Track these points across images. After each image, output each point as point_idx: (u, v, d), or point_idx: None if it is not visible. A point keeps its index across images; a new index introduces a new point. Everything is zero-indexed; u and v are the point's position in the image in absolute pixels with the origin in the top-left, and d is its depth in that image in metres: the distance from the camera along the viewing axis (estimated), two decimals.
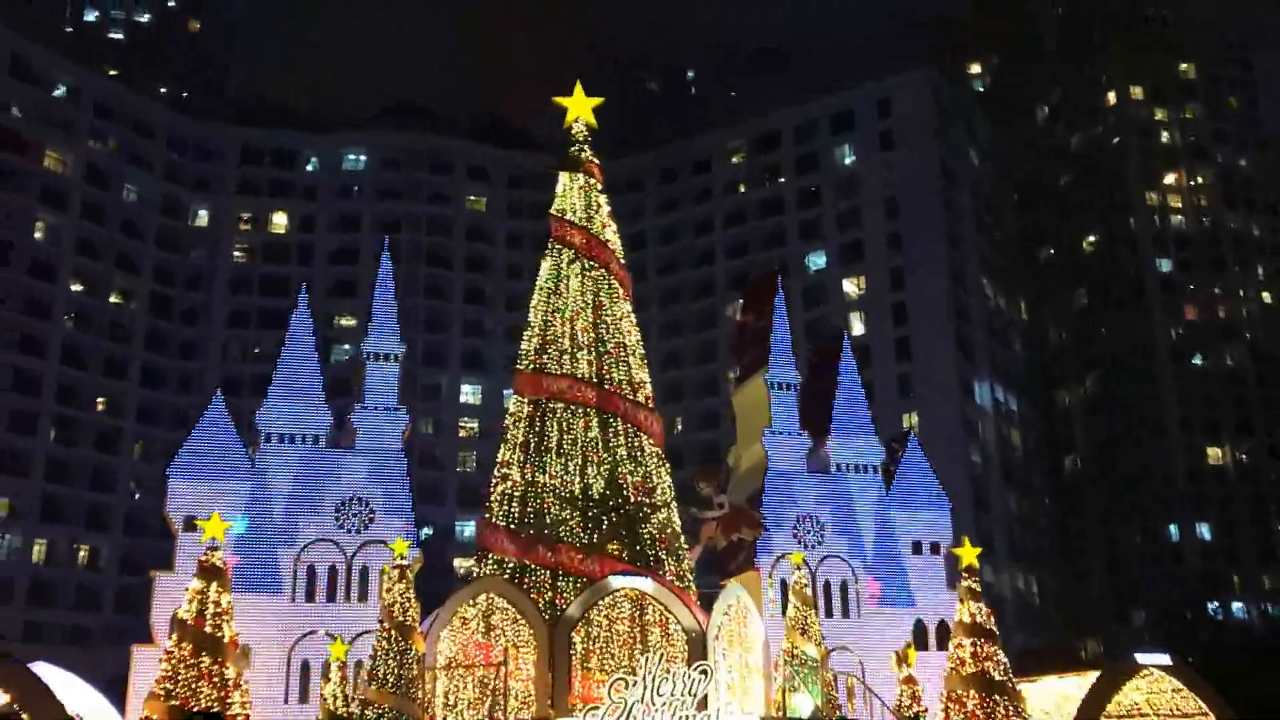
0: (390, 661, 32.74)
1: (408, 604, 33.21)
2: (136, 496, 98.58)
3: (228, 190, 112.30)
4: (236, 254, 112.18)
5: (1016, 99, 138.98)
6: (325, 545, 37.03)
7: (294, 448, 38.26)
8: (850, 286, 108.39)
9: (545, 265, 40.04)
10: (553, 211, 40.63)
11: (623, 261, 40.18)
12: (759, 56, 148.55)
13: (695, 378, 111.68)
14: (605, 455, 36.83)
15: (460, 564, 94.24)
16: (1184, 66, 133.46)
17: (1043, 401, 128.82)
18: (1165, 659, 35.72)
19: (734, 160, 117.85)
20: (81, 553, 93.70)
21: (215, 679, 29.97)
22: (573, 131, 41.40)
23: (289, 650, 36.10)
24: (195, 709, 29.38)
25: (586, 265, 39.13)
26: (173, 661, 30.06)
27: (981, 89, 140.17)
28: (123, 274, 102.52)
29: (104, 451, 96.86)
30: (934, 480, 42.04)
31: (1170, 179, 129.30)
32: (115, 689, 36.79)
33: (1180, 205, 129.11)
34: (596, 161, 41.24)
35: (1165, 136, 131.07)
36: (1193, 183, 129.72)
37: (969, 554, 35.58)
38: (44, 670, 33.90)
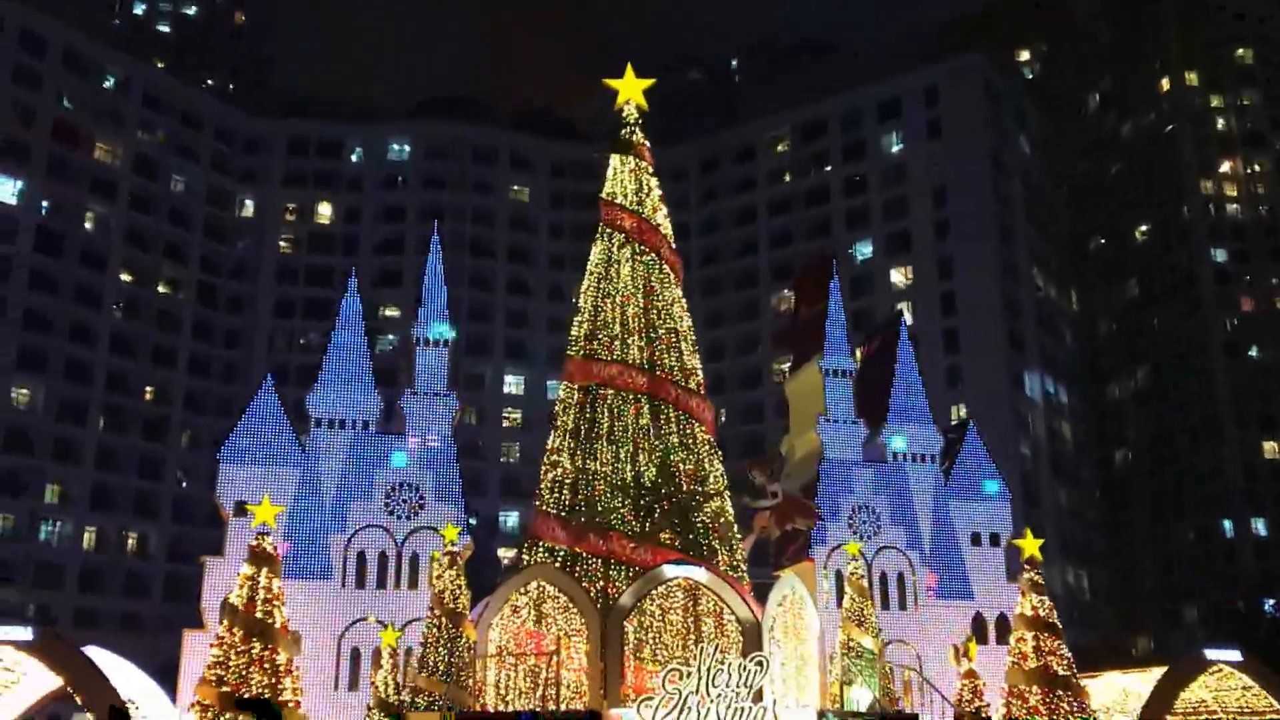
0: (441, 649, 32.35)
1: (459, 591, 32.79)
2: (184, 484, 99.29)
3: (274, 181, 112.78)
4: (282, 244, 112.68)
5: (1066, 88, 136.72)
6: (375, 531, 36.71)
7: (344, 433, 37.95)
8: (898, 276, 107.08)
9: (595, 250, 39.45)
10: (603, 195, 40.02)
11: (673, 246, 39.47)
12: (802, 47, 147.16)
13: (738, 370, 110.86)
14: (657, 442, 36.23)
15: (504, 554, 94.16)
16: (1241, 52, 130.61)
17: (1093, 394, 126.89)
18: (1236, 655, 34.65)
19: (778, 149, 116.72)
20: (130, 540, 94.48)
21: (266, 665, 29.66)
22: (623, 114, 40.73)
23: (339, 637, 35.80)
24: (247, 695, 29.10)
25: (638, 249, 38.50)
26: (224, 647, 29.77)
27: (1030, 77, 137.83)
28: (171, 264, 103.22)
29: (152, 439, 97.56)
30: (994, 470, 41.08)
31: (1226, 167, 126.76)
32: (166, 675, 36.76)
33: (1236, 193, 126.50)
34: (647, 144, 40.56)
35: (1221, 123, 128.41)
36: (1249, 170, 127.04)
37: (1031, 545, 34.69)
38: (96, 654, 33.90)
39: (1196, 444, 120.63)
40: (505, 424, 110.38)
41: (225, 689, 29.23)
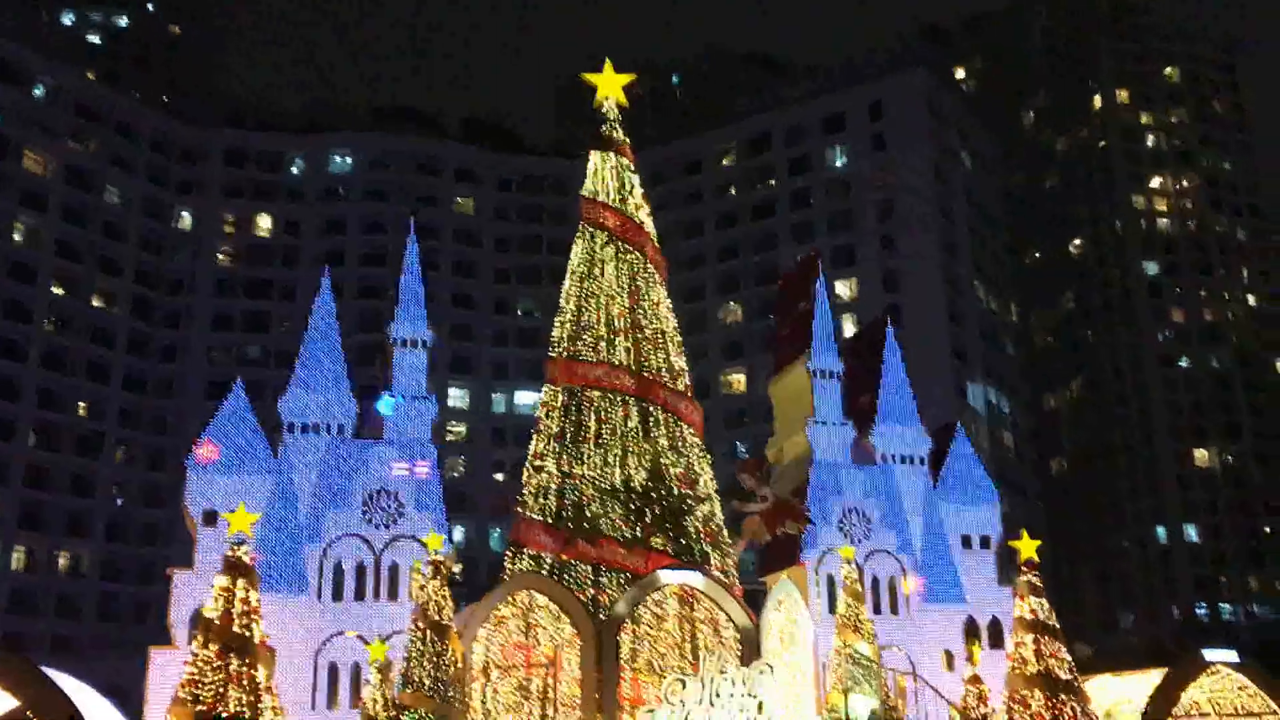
0: (426, 663, 30.93)
1: (444, 602, 31.49)
2: (119, 502, 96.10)
3: (212, 193, 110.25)
4: (220, 257, 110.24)
5: (1004, 103, 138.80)
6: (352, 541, 35.22)
7: (318, 439, 36.41)
8: (843, 289, 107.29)
9: (576, 249, 38.40)
10: (584, 193, 38.99)
11: (658, 245, 38.59)
12: (747, 61, 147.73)
13: None
14: (646, 446, 35.16)
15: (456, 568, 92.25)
16: (1169, 71, 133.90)
17: (1033, 404, 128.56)
18: (1234, 656, 34.47)
19: (724, 162, 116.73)
20: (62, 560, 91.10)
21: (245, 682, 27.92)
22: (603, 110, 39.78)
23: (315, 652, 34.21)
24: (224, 714, 27.43)
25: (621, 248, 37.52)
26: (198, 664, 27.95)
27: (968, 92, 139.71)
28: (105, 277, 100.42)
29: (85, 456, 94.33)
30: (982, 472, 40.75)
31: (1156, 182, 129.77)
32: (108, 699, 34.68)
33: (1166, 209, 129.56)
34: (628, 141, 39.66)
35: (1151, 140, 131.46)
36: (1179, 186, 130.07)
37: (1028, 547, 34.24)
38: (55, 676, 31.95)
39: (1131, 453, 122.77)
40: (450, 438, 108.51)
41: (201, 708, 27.48)
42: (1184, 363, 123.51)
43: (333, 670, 34.39)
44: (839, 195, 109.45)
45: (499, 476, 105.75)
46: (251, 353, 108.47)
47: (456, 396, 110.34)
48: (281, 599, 34.21)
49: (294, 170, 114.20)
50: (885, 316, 45.87)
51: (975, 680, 32.43)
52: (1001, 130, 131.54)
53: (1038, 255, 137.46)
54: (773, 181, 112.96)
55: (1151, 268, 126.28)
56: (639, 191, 39.06)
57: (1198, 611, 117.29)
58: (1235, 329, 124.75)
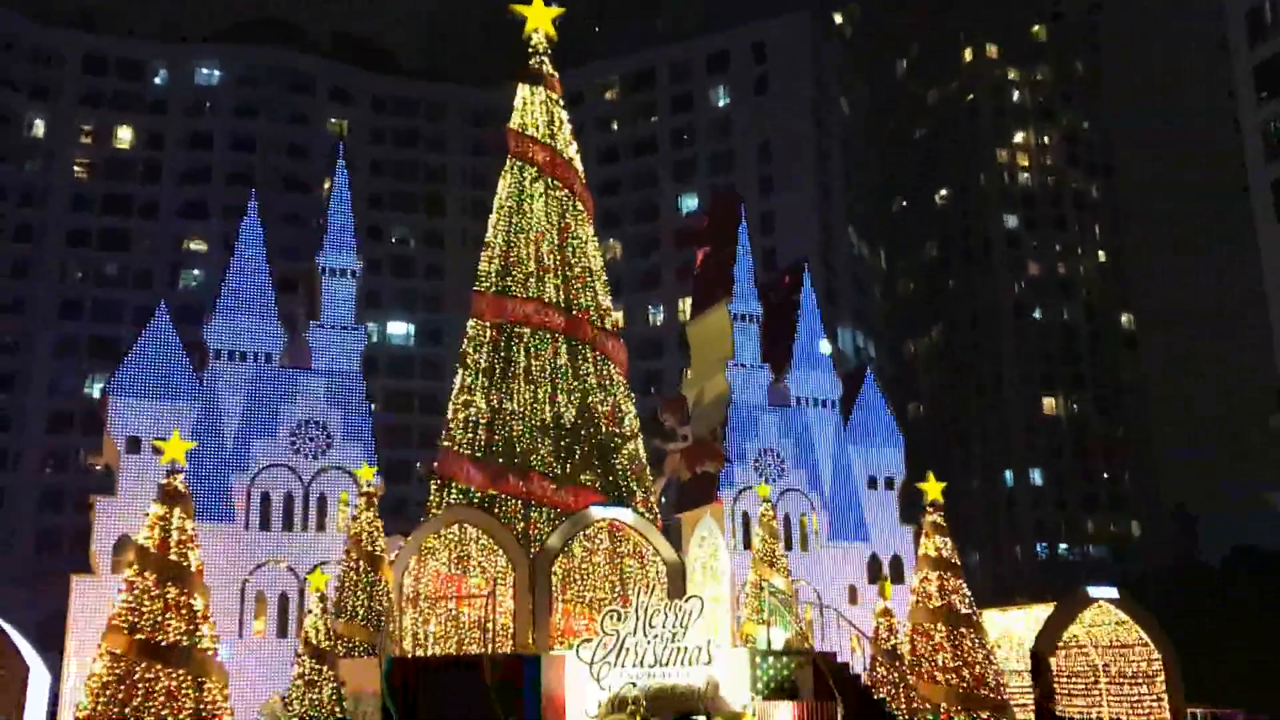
0: (360, 593, 31.03)
1: (376, 533, 31.51)
2: None
3: (68, 100, 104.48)
4: (76, 169, 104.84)
5: (879, 50, 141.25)
6: (280, 470, 34.63)
7: (245, 366, 35.52)
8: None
9: (504, 183, 38.02)
10: (511, 126, 38.56)
11: (585, 182, 38.52)
12: None
13: None
14: (575, 383, 35.41)
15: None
16: (1036, 29, 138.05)
17: (894, 350, 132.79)
18: (1114, 592, 36.76)
19: (606, 96, 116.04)
20: None
21: (183, 610, 27.56)
22: (532, 42, 39.31)
23: (243, 582, 33.70)
24: (163, 642, 26.97)
25: (551, 184, 37.32)
26: (135, 592, 27.44)
27: (847, 39, 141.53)
28: None
29: None
30: (889, 417, 42.24)
31: (1019, 138, 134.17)
32: None
33: (1028, 164, 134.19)
34: (557, 75, 39.32)
35: (1016, 96, 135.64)
36: (1040, 142, 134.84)
37: (934, 489, 35.77)
38: None
39: (983, 400, 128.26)
40: None
41: (140, 636, 27.00)
42: (1036, 314, 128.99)
43: (259, 599, 33.92)
44: (720, 135, 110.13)
45: (372, 407, 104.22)
46: (109, 271, 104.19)
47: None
48: (208, 527, 33.49)
49: (157, 81, 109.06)
50: (803, 262, 46.85)
51: (886, 613, 33.94)
52: (876, 79, 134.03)
53: (904, 204, 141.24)
54: (654, 118, 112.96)
55: (1011, 220, 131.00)
56: (568, 128, 38.87)
57: (1038, 551, 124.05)
58: (1085, 283, 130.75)
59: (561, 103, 39.07)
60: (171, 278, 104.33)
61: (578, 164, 38.51)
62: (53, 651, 34.96)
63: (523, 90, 38.76)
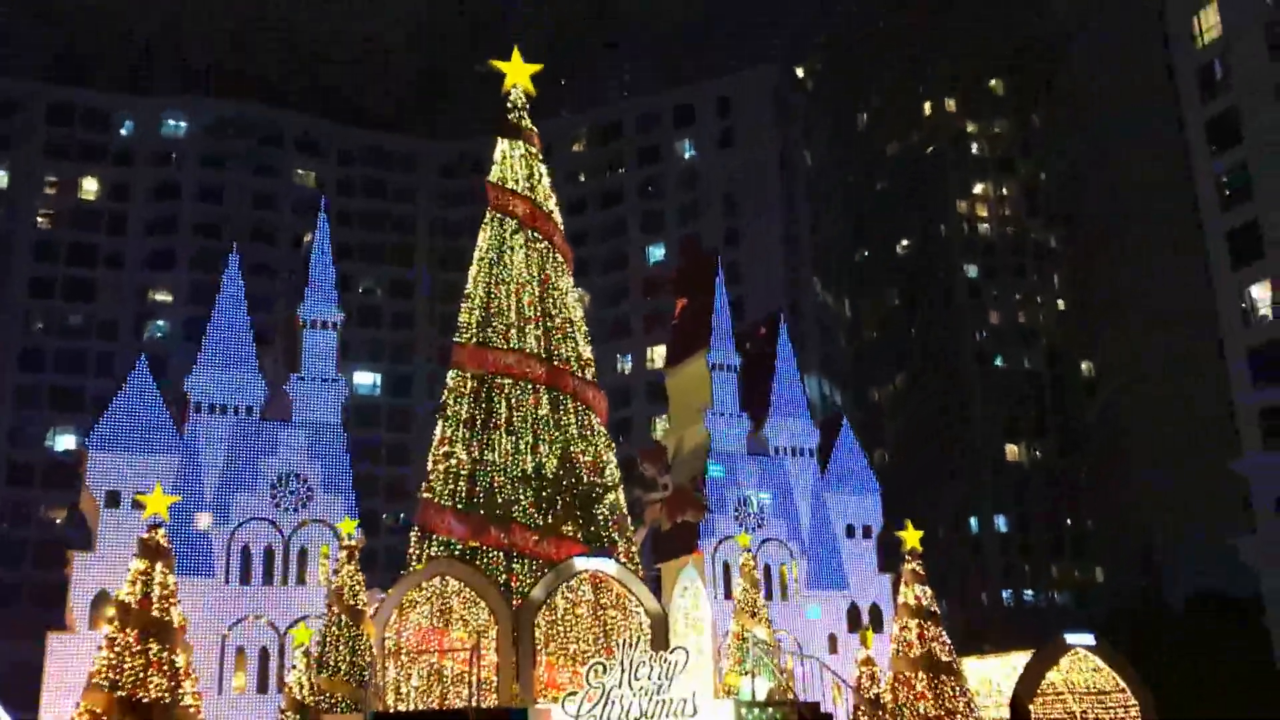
0: (342, 648, 30.81)
1: (359, 586, 31.37)
2: None
3: (32, 150, 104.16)
4: (40, 219, 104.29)
5: (841, 104, 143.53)
6: (260, 524, 34.42)
7: (225, 419, 35.38)
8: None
9: (484, 235, 38.34)
10: (491, 180, 38.95)
11: (564, 234, 38.92)
12: (595, 48, 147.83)
13: None
14: (557, 434, 35.56)
15: None
16: (994, 83, 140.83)
17: (859, 396, 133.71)
18: (1090, 639, 37.16)
19: (575, 148, 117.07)
20: None
21: (165, 667, 27.34)
22: (510, 98, 39.82)
23: (222, 637, 33.37)
24: (144, 699, 26.68)
25: (531, 236, 37.70)
26: (117, 649, 27.20)
27: (810, 91, 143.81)
28: None
29: None
30: (865, 465, 42.61)
31: (979, 189, 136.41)
32: None
33: (987, 214, 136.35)
34: (535, 129, 39.82)
35: (975, 148, 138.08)
36: (999, 193, 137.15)
37: (912, 537, 36.15)
38: None
39: (948, 447, 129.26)
40: None
41: (121, 693, 26.71)
42: (999, 361, 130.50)
43: (240, 654, 33.59)
44: (687, 186, 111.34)
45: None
46: (73, 321, 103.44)
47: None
48: (188, 581, 33.17)
49: (123, 132, 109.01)
50: (778, 312, 47.35)
51: (868, 662, 34.14)
52: (838, 131, 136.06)
53: (867, 254, 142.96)
54: (622, 170, 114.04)
55: (972, 270, 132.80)
56: (547, 181, 39.32)
57: (1003, 597, 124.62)
58: (1046, 331, 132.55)
59: (540, 156, 39.48)
60: (137, 328, 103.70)
61: (557, 216, 38.94)
62: (20, 711, 34.42)
63: (502, 144, 39.20)
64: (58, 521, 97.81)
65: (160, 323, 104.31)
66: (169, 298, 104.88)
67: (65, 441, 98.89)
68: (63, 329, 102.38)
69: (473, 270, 37.98)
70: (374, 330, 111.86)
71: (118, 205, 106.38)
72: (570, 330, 37.21)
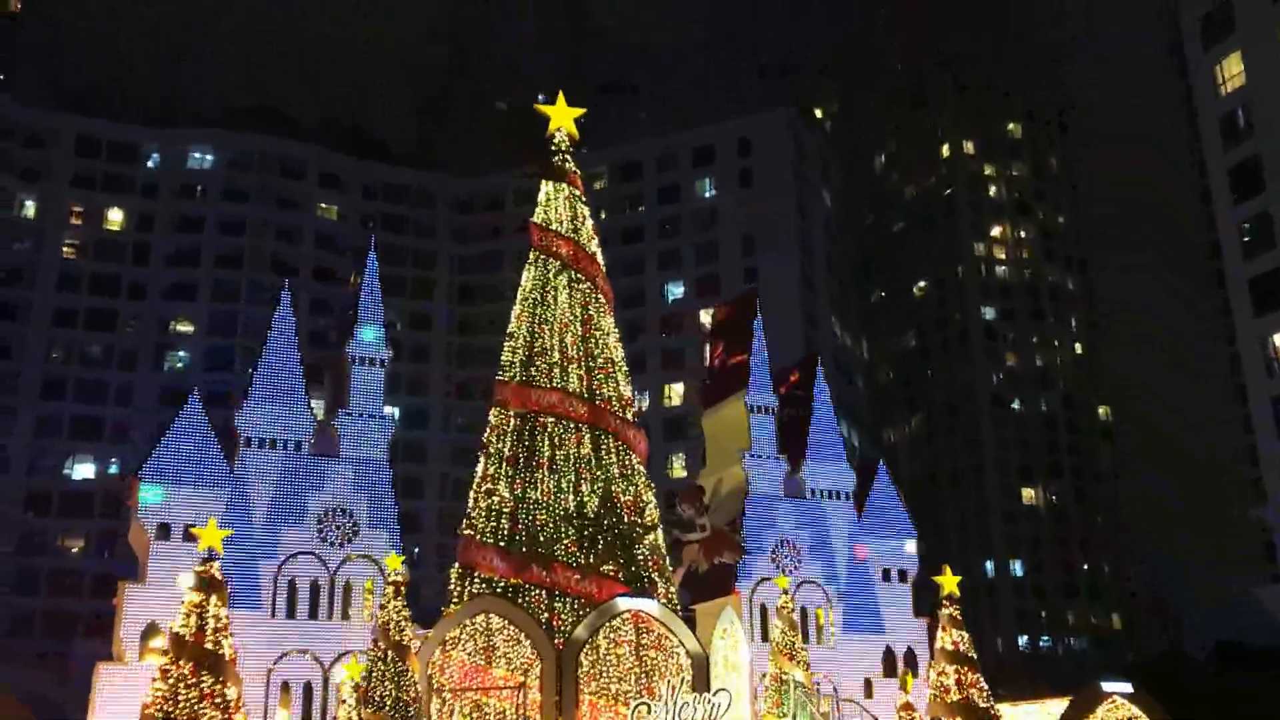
0: (388, 684, 30.97)
1: (404, 622, 31.57)
2: None
3: (59, 182, 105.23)
4: (66, 249, 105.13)
5: (858, 146, 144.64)
6: (307, 558, 34.65)
7: (275, 454, 35.69)
8: (707, 318, 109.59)
9: (528, 275, 38.79)
10: (535, 221, 39.44)
11: (606, 275, 39.35)
12: (609, 89, 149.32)
13: None
14: (598, 473, 35.82)
15: None
16: (1011, 127, 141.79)
17: (874, 437, 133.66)
18: (1128, 687, 37.11)
19: (595, 186, 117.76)
20: None
21: (217, 699, 27.49)
22: (555, 141, 40.38)
23: (268, 671, 33.53)
24: None
25: (574, 277, 38.14)
26: (170, 681, 27.37)
27: (827, 132, 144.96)
28: None
29: None
30: (901, 508, 42.74)
31: (996, 231, 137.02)
32: None
33: (1004, 257, 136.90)
34: (578, 172, 40.35)
35: (993, 191, 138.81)
36: (1017, 236, 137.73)
37: (950, 582, 36.17)
38: None
39: (962, 489, 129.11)
40: None
41: None
42: (1015, 404, 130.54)
43: (285, 688, 33.73)
44: (705, 226, 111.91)
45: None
46: (94, 353, 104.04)
47: (314, 408, 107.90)
48: (235, 615, 33.32)
49: (149, 164, 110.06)
50: (815, 356, 47.58)
51: (908, 707, 34.16)
52: (855, 173, 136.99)
53: (883, 294, 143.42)
54: (641, 208, 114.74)
55: (989, 312, 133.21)
56: (590, 222, 39.78)
57: (1019, 643, 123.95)
58: (1062, 374, 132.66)
59: (584, 199, 39.97)
60: (157, 359, 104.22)
61: (599, 257, 39.36)
62: None
63: (546, 187, 39.73)
64: (74, 550, 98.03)
65: (180, 353, 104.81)
66: (190, 328, 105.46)
67: (84, 470, 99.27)
68: (83, 358, 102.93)
69: (515, 310, 38.38)
70: (393, 363, 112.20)
71: (142, 236, 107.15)
72: (612, 370, 37.56)
